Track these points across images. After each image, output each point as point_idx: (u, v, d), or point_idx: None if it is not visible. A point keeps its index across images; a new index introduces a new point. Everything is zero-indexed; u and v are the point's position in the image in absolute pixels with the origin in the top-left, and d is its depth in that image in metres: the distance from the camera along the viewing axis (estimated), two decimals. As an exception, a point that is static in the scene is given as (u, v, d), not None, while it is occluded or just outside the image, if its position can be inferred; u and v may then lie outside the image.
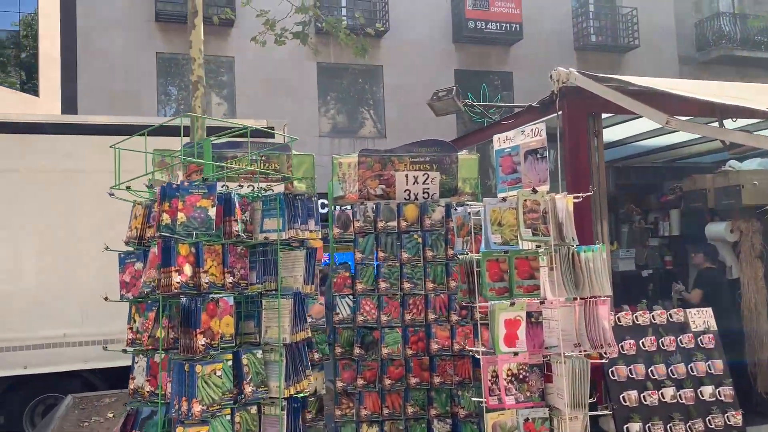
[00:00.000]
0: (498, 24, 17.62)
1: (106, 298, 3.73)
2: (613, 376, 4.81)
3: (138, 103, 14.87)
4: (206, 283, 3.23)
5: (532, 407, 3.87)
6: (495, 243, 3.92)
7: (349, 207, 5.56)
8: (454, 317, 5.31)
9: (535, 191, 3.96)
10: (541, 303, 3.94)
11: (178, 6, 14.94)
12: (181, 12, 13.94)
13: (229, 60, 15.99)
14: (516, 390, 3.85)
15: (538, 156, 4.10)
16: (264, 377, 3.37)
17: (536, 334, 3.98)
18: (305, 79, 16.37)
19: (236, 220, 3.43)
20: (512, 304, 3.84)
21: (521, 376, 3.87)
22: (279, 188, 5.33)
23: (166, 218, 3.18)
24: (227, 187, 3.62)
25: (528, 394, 3.84)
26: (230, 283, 3.35)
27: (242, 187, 3.79)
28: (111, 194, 3.54)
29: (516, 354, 3.82)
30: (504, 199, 4.01)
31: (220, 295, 3.24)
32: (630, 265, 7.43)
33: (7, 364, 6.93)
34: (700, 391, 4.88)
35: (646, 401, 4.74)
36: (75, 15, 14.95)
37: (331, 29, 10.14)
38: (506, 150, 4.29)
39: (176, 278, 3.11)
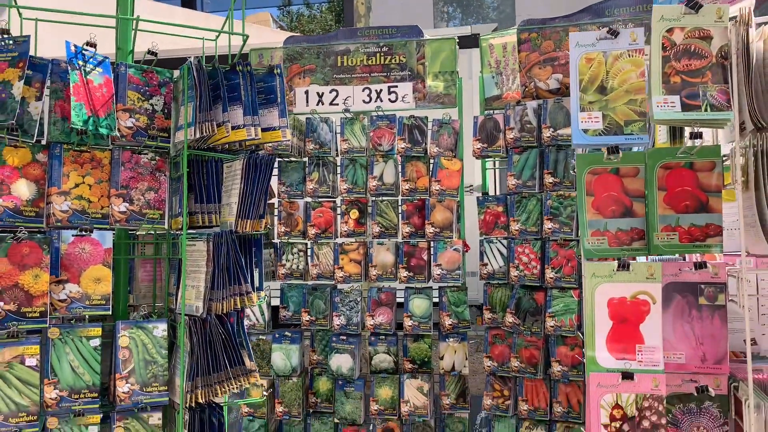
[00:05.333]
0: None
1: None
2: None
3: None
4: (64, 211, 2.19)
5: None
6: (587, 131, 1.90)
7: (497, 111, 3.81)
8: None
9: (696, 5, 1.78)
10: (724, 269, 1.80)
11: None
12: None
13: None
14: (634, 445, 1.85)
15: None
16: (162, 369, 2.21)
17: (708, 328, 1.86)
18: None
19: (128, 111, 2.28)
20: (624, 266, 1.81)
21: (647, 424, 1.84)
22: (405, 87, 3.96)
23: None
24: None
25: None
26: (121, 213, 2.25)
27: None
28: None
29: (628, 377, 1.80)
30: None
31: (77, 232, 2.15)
32: None
33: None
34: None
35: None
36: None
37: None
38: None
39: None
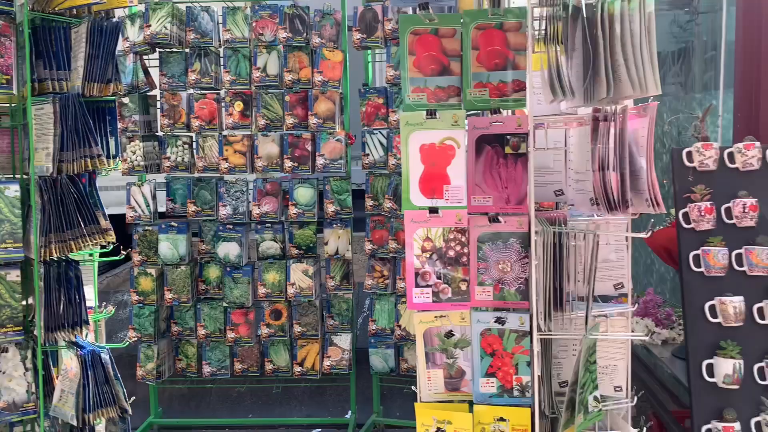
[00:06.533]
0: None
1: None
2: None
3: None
4: None
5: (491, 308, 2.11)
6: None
7: (376, 2, 3.87)
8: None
9: None
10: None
11: None
12: None
13: None
14: (443, 279, 2.09)
15: None
16: (17, 227, 2.26)
17: (512, 174, 2.09)
18: None
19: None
20: (431, 114, 1.99)
21: (452, 253, 2.08)
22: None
23: None
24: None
25: (462, 289, 2.06)
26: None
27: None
28: None
29: (435, 211, 2.02)
30: None
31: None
32: None
33: None
34: None
35: None
36: None
37: None
38: None
39: None
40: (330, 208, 3.95)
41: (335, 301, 4.04)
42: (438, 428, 2.08)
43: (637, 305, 3.34)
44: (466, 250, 2.10)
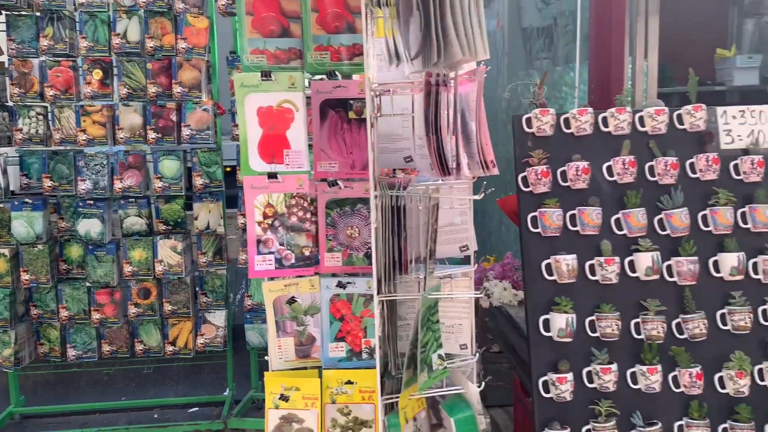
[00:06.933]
0: None
1: None
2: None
3: None
4: None
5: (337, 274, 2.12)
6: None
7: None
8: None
9: None
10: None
11: None
12: None
13: None
14: (286, 245, 2.07)
15: None
16: None
17: (356, 139, 2.09)
18: None
19: None
20: (266, 76, 1.95)
21: (295, 219, 2.07)
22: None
23: None
24: None
25: (307, 252, 2.06)
26: None
27: None
28: None
29: (274, 177, 1.99)
30: None
31: None
32: (752, 78, 5.28)
33: None
34: None
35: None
36: None
37: None
38: None
39: None
40: (198, 181, 3.82)
41: (208, 278, 3.93)
42: (282, 395, 2.07)
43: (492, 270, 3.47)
44: (308, 216, 2.09)
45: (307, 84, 2.15)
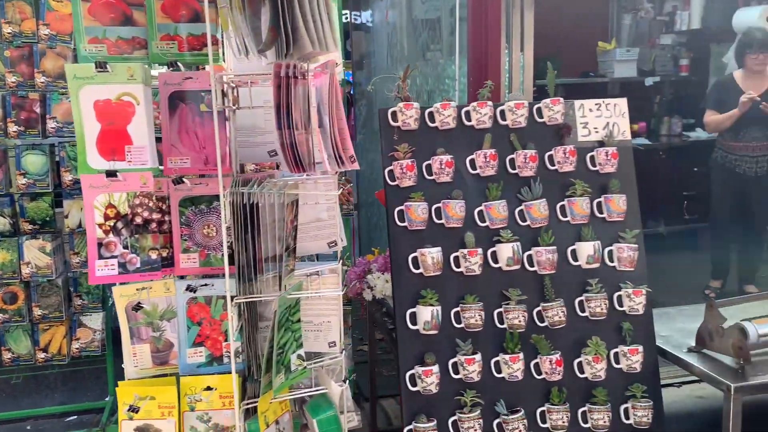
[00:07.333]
0: None
1: None
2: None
3: None
4: None
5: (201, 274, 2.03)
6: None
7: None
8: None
9: None
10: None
11: None
12: None
13: None
14: (131, 248, 1.96)
15: None
16: None
17: (209, 133, 1.99)
18: None
19: None
20: (101, 67, 1.82)
21: (139, 220, 1.95)
22: None
23: None
24: None
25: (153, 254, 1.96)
26: None
27: None
28: None
29: (112, 175, 1.86)
30: None
31: None
32: (630, 70, 5.71)
33: None
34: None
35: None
36: None
37: None
38: None
39: None
40: (68, 177, 3.58)
41: (83, 279, 3.70)
42: (131, 406, 1.96)
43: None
44: (155, 216, 1.98)
45: (155, 74, 2.03)
